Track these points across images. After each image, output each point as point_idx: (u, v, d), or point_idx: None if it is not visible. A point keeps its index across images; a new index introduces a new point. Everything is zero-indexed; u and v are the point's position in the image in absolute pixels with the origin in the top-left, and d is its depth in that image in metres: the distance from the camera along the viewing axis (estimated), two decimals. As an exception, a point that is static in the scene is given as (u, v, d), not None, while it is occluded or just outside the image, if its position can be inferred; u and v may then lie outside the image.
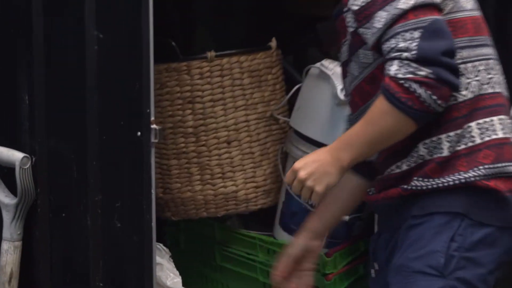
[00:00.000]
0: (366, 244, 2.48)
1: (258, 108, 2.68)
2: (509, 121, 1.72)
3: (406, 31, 1.58)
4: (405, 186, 1.68)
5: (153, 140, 2.08)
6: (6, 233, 2.25)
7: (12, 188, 2.22)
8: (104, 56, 2.11)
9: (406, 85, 1.56)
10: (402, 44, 1.57)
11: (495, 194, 1.64)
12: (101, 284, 2.16)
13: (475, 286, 1.65)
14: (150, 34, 2.03)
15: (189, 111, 2.59)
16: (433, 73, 1.56)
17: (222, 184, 2.62)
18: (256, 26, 2.93)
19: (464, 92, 1.65)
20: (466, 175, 1.63)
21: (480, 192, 1.64)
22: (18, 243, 2.25)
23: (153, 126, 2.08)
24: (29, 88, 2.27)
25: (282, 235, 2.59)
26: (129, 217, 2.12)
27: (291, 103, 2.68)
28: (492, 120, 1.69)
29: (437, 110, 1.59)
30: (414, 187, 1.68)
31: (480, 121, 1.67)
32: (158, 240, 2.46)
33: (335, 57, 2.64)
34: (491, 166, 1.64)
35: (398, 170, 1.70)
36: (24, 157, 2.18)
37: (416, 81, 1.56)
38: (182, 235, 2.81)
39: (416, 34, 1.58)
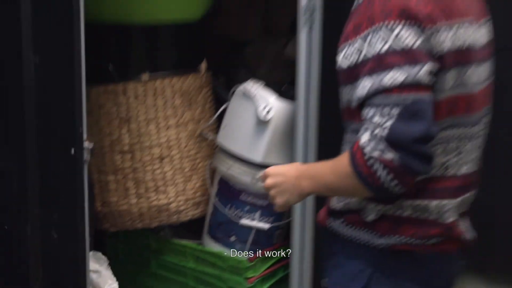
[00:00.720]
0: (285, 249, 2.62)
1: (188, 127, 2.78)
2: (455, 202, 1.65)
3: (386, 105, 1.52)
4: (330, 220, 1.72)
5: (85, 157, 2.16)
6: (-50, 244, 2.26)
7: None
8: (40, 78, 2.17)
9: (370, 162, 1.51)
10: (377, 118, 1.52)
11: (409, 253, 1.64)
12: (41, 291, 2.25)
13: None
14: (82, 57, 2.09)
15: (125, 130, 2.70)
16: (399, 159, 1.49)
17: (155, 198, 2.71)
18: (188, 49, 2.95)
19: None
20: (378, 241, 1.63)
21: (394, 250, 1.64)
22: (-36, 254, 2.26)
23: (86, 145, 2.16)
24: None
25: (210, 243, 2.71)
26: (65, 228, 2.19)
27: (220, 121, 2.78)
28: (427, 205, 1.65)
29: (397, 193, 1.54)
30: (334, 228, 1.71)
31: (416, 202, 1.64)
32: (99, 250, 2.54)
33: (262, 78, 2.81)
34: (409, 239, 1.62)
35: (333, 204, 1.73)
36: None
37: (380, 162, 1.50)
38: (121, 245, 2.91)
39: (394, 111, 1.51)
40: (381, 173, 1.47)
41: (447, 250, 1.65)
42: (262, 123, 2.58)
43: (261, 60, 3.17)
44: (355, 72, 1.57)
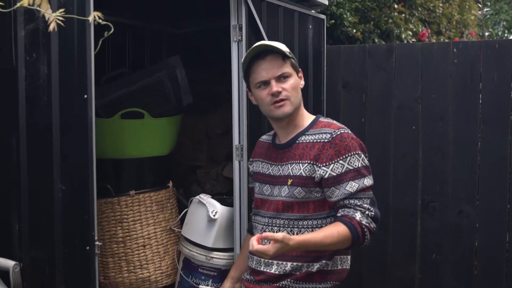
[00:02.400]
0: None
1: (162, 224, 3.42)
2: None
3: (366, 198, 2.20)
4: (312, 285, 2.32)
5: (96, 251, 2.62)
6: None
7: (8, 283, 2.65)
8: (66, 202, 2.63)
9: (364, 230, 2.16)
10: (365, 205, 2.19)
11: None
12: None
13: None
14: (94, 183, 2.59)
15: (119, 227, 3.34)
16: (375, 228, 2.19)
17: (140, 272, 3.34)
18: (160, 173, 3.54)
19: None
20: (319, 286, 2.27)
21: None
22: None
23: (97, 243, 2.62)
24: (19, 220, 2.68)
25: None
26: None
27: (183, 220, 3.44)
28: (346, 257, 2.32)
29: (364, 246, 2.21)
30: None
31: (348, 256, 2.33)
32: None
33: (208, 191, 3.54)
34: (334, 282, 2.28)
35: (306, 269, 2.30)
36: (15, 264, 2.65)
37: (368, 229, 2.17)
38: None
39: (368, 201, 2.20)
40: (368, 235, 2.18)
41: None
42: (211, 221, 3.23)
43: (207, 178, 3.88)
44: (339, 178, 2.20)
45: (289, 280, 2.22)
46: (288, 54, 2.35)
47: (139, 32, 4.44)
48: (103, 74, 3.73)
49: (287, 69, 2.34)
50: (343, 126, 2.31)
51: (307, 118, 2.39)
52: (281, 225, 2.27)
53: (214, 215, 3.23)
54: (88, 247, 2.63)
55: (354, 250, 2.32)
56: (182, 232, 3.44)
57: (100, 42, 2.42)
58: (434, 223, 4.19)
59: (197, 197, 3.39)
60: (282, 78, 2.34)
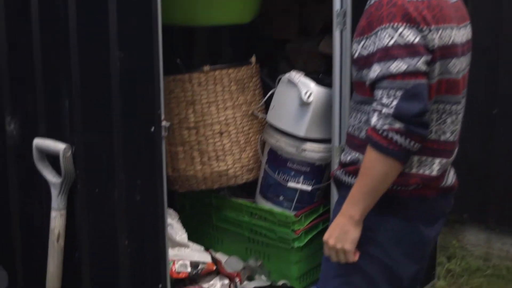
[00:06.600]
0: (325, 207, 2.94)
1: (242, 108, 3.08)
2: (434, 159, 1.85)
3: (392, 88, 1.73)
4: (335, 172, 1.96)
5: (163, 134, 2.39)
6: (54, 204, 2.63)
7: (58, 170, 2.61)
8: (124, 71, 2.39)
9: (384, 134, 1.72)
10: (385, 100, 1.73)
11: (393, 196, 1.82)
12: (126, 242, 2.51)
13: None
14: (160, 53, 2.32)
15: (191, 111, 3.00)
16: (405, 127, 1.71)
17: (216, 165, 3.03)
18: (241, 45, 3.21)
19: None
20: None
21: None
22: (63, 212, 2.62)
23: (163, 123, 2.39)
24: (69, 95, 2.55)
25: (261, 202, 3.04)
26: (147, 191, 2.45)
27: (267, 104, 3.10)
28: (433, 159, 1.86)
29: (414, 150, 1.74)
30: (338, 176, 1.93)
31: (423, 157, 1.85)
32: (169, 206, 2.67)
33: (299, 70, 3.06)
34: (391, 186, 1.79)
35: (342, 159, 1.94)
36: (66, 147, 2.56)
37: (391, 130, 1.71)
38: (187, 202, 3.24)
39: (398, 93, 1.72)
40: (397, 138, 1.71)
41: (426, 195, 1.87)
42: (304, 105, 2.88)
43: (298, 55, 3.48)
44: (370, 59, 1.80)
45: (341, 170, 1.94)
46: None
47: None
48: None
49: None
50: None
51: None
52: (352, 108, 1.99)
53: (308, 98, 2.86)
54: (153, 128, 2.36)
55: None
56: (268, 118, 3.08)
57: None
58: None
59: (287, 75, 3.00)
60: None
